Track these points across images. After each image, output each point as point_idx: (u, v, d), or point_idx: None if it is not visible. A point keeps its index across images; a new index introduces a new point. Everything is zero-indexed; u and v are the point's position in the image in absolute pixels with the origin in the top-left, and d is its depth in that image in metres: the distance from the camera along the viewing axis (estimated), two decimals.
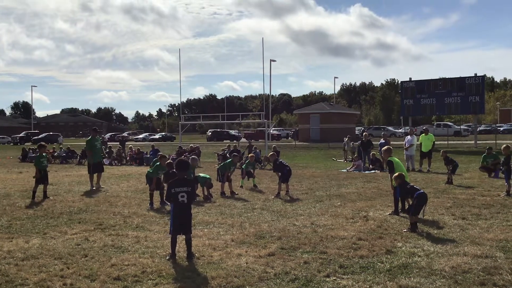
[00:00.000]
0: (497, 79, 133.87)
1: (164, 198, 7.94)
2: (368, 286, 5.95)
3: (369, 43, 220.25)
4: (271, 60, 46.70)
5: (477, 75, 35.47)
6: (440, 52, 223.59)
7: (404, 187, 9.65)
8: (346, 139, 28.12)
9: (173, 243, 7.35)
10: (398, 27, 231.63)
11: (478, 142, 36.45)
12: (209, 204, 12.41)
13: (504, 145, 13.51)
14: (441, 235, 8.53)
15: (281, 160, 14.82)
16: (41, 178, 13.72)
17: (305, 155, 33.35)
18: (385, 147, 11.70)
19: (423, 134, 21.37)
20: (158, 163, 12.79)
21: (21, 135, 74.05)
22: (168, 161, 13.25)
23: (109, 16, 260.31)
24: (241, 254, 7.44)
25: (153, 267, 6.79)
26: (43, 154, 14.12)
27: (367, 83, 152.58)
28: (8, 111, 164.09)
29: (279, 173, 13.76)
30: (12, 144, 66.73)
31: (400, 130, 63.25)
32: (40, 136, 73.53)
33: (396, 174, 9.93)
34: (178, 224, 7.32)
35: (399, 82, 48.41)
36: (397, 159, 10.95)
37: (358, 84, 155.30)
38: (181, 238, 8.45)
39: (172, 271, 6.62)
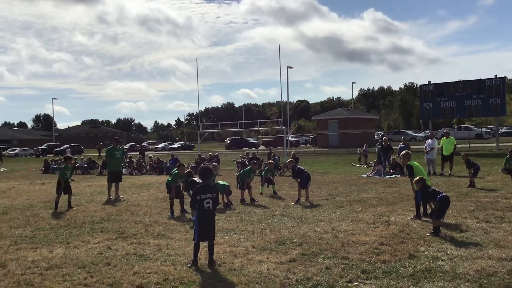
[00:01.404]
0: None
1: (189, 205, 7.97)
2: None
3: (385, 47, 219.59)
4: (288, 67, 46.75)
5: (498, 76, 35.03)
6: (458, 54, 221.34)
7: (426, 191, 9.54)
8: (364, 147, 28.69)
9: (196, 250, 7.38)
10: (415, 31, 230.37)
11: (500, 144, 35.91)
12: (229, 211, 12.43)
13: None
14: (464, 239, 8.42)
15: (299, 166, 14.80)
16: (65, 188, 13.98)
17: (324, 161, 33.22)
18: (404, 151, 11.53)
19: (444, 138, 21.14)
20: (176, 172, 12.85)
21: (43, 147, 75.18)
22: (187, 170, 13.33)
23: (125, 28, 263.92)
24: (262, 260, 7.43)
25: (175, 274, 6.82)
26: (69, 166, 14.49)
27: (385, 87, 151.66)
28: (30, 124, 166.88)
29: (298, 179, 13.76)
30: (34, 156, 67.74)
31: (420, 134, 62.62)
32: (61, 148, 74.75)
33: (417, 178, 9.82)
34: (203, 231, 7.38)
35: (418, 85, 48.01)
36: (416, 163, 10.85)
37: (376, 88, 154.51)
38: (202, 246, 8.49)
39: (194, 278, 6.64)
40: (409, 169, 10.73)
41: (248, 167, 15.27)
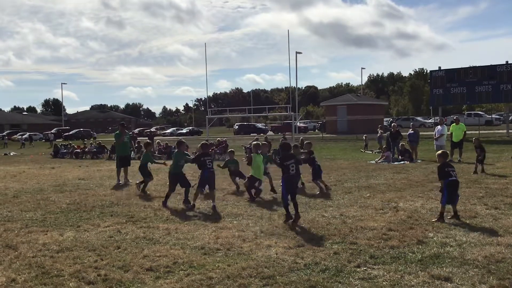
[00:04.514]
0: None
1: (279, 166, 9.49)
2: (399, 276, 5.91)
3: (390, 33, 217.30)
4: (296, 52, 46.59)
5: (509, 62, 34.64)
6: (468, 40, 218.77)
7: (443, 168, 9.23)
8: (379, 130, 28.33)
9: (286, 207, 9.18)
10: (425, 16, 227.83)
11: (510, 131, 35.66)
12: (238, 196, 12.47)
13: None
14: (473, 225, 8.41)
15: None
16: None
17: (333, 147, 33.18)
18: (440, 151, 9.97)
19: (454, 124, 21.00)
20: (177, 153, 12.10)
21: (52, 131, 75.61)
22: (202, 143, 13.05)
23: (130, 13, 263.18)
24: (270, 245, 7.47)
25: (184, 258, 6.88)
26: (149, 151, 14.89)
27: (394, 73, 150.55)
28: (39, 109, 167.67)
29: (311, 167, 13.48)
30: (44, 140, 68.12)
31: (429, 121, 62.29)
32: (71, 132, 75.18)
33: (440, 151, 9.68)
34: (287, 192, 9.10)
35: (428, 71, 47.62)
36: None
37: (385, 74, 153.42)
38: (210, 230, 8.55)
39: (203, 262, 6.69)
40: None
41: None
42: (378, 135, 28.81)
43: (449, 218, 8.90)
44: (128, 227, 9.12)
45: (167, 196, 11.54)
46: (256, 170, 12.28)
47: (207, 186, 11.34)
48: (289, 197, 9.16)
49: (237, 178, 13.76)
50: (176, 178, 11.75)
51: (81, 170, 21.86)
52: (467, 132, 21.78)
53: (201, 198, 11.56)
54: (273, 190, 12.61)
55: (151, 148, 14.17)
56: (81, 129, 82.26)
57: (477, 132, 35.28)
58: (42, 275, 6.33)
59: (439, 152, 9.71)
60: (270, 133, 62.09)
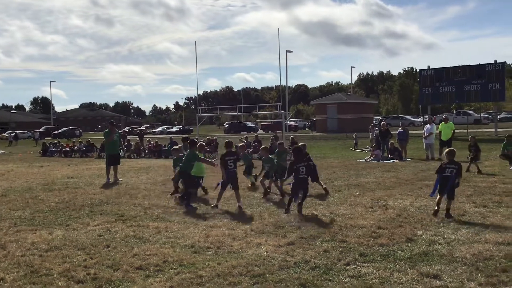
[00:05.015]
0: None
1: (286, 173, 10.27)
2: (388, 273, 5.95)
3: (379, 32, 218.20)
4: (287, 51, 46.57)
5: (497, 62, 34.92)
6: (456, 40, 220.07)
7: (442, 164, 9.50)
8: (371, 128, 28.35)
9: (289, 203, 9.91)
10: (414, 15, 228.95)
11: (498, 130, 35.96)
12: (228, 195, 12.43)
13: None
14: (462, 223, 8.47)
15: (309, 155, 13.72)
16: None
17: (323, 146, 33.26)
18: (448, 149, 9.93)
19: (443, 123, 21.13)
20: (190, 152, 11.63)
21: (41, 130, 74.99)
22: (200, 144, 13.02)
23: (119, 10, 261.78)
24: (260, 243, 7.48)
25: (174, 256, 6.86)
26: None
27: (384, 72, 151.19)
28: (27, 107, 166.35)
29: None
30: (32, 139, 67.57)
31: (418, 119, 62.63)
32: (60, 131, 74.63)
33: (448, 149, 9.78)
34: (295, 192, 9.92)
35: (417, 70, 47.87)
36: None
37: (375, 73, 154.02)
38: (200, 228, 8.55)
39: (193, 260, 6.68)
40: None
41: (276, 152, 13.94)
42: (374, 134, 28.94)
43: (443, 216, 8.97)
44: (118, 225, 9.08)
45: (189, 196, 11.13)
46: (197, 169, 12.13)
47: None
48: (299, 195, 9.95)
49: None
50: (186, 176, 11.45)
51: (70, 168, 21.73)
52: (456, 130, 21.95)
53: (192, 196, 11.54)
54: (266, 193, 12.28)
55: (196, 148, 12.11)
56: (70, 127, 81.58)
57: (466, 131, 35.55)
58: (31, 274, 6.29)
59: (447, 150, 9.77)
60: (260, 131, 62.14)
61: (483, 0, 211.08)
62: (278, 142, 15.61)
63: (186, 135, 13.79)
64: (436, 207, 9.16)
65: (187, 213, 10.09)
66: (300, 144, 14.76)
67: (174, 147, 15.17)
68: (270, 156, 13.19)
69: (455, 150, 9.80)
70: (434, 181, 9.69)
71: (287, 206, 10.00)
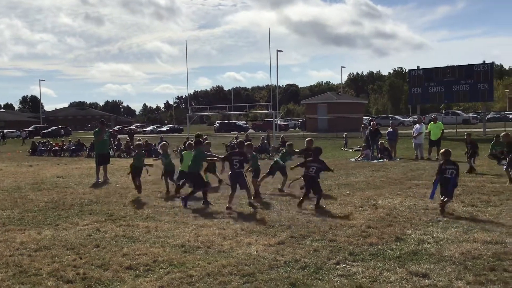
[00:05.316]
0: (506, 66, 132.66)
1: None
2: (378, 272, 5.98)
3: (369, 32, 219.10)
4: (277, 51, 46.62)
5: (486, 62, 35.20)
6: (445, 40, 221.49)
7: (442, 165, 9.67)
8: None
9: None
10: (403, 15, 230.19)
11: (487, 130, 36.24)
12: (219, 194, 12.45)
13: (503, 133, 13.54)
14: (450, 222, 8.54)
15: None
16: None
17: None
18: (444, 150, 10.08)
19: (432, 122, 21.28)
20: (197, 151, 11.46)
21: (30, 129, 74.39)
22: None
23: (108, 9, 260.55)
24: (251, 243, 7.49)
25: (164, 256, 6.85)
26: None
27: (374, 72, 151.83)
28: (16, 106, 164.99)
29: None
30: (21, 138, 67.02)
31: (408, 119, 62.97)
32: (49, 130, 74.04)
33: (443, 150, 9.98)
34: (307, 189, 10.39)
35: (407, 70, 48.10)
36: None
37: (365, 73, 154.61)
38: (190, 228, 8.54)
39: (183, 260, 6.68)
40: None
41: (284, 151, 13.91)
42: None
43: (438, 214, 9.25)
44: (108, 225, 9.05)
45: (191, 196, 11.02)
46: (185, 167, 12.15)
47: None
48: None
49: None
50: (195, 177, 11.30)
51: (59, 168, 21.61)
52: (445, 130, 22.10)
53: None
54: (257, 195, 11.89)
55: (203, 145, 12.20)
56: (59, 127, 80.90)
57: (455, 130, 35.80)
58: (19, 274, 6.25)
59: (442, 150, 9.99)
60: (251, 131, 62.14)
61: (472, 0, 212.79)
62: (288, 143, 15.19)
63: (198, 132, 13.64)
64: (440, 208, 9.37)
65: (177, 213, 10.07)
66: (287, 143, 14.72)
67: (137, 142, 15.22)
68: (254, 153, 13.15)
69: (450, 150, 9.94)
70: (433, 183, 9.79)
71: (300, 202, 10.36)
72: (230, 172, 10.82)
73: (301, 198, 10.50)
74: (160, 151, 14.12)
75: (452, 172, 9.44)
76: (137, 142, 14.60)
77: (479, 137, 32.38)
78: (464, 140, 16.98)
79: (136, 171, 12.90)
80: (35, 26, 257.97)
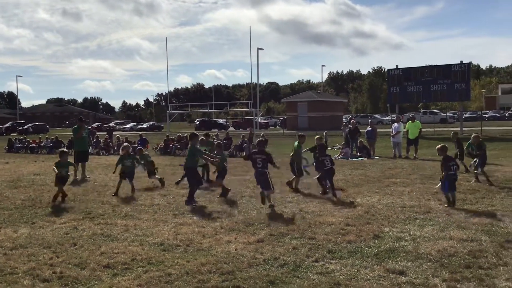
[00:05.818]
0: (483, 66, 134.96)
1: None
2: (356, 270, 6.04)
3: (348, 31, 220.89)
4: (258, 49, 46.65)
5: (463, 62, 35.70)
6: (424, 40, 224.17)
7: (445, 161, 10.09)
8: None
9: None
10: (383, 15, 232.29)
11: (464, 129, 36.71)
12: (198, 191, 12.37)
13: (473, 135, 13.81)
14: (427, 220, 8.66)
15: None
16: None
17: (293, 143, 33.36)
18: (441, 145, 10.45)
19: (410, 121, 21.54)
20: (192, 147, 11.30)
21: (6, 125, 73.08)
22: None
23: (87, 5, 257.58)
24: (230, 241, 7.49)
25: (142, 254, 6.81)
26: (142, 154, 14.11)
27: (354, 71, 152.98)
28: None
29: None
30: None
31: (387, 118, 63.58)
32: (25, 127, 72.73)
33: (439, 145, 10.38)
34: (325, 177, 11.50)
35: (386, 70, 48.55)
36: None
37: (345, 72, 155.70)
38: (169, 226, 8.51)
39: (162, 258, 6.65)
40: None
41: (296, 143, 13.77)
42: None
43: (445, 206, 9.70)
44: (85, 223, 8.95)
45: (193, 193, 10.81)
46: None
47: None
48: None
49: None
50: (191, 172, 11.16)
51: (36, 165, 21.31)
52: (423, 129, 22.38)
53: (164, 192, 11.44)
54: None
55: (197, 140, 11.98)
56: (36, 123, 79.54)
57: (432, 129, 36.24)
58: None
59: (439, 146, 10.40)
60: (231, 128, 62.05)
61: (450, 1, 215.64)
62: (300, 135, 14.67)
63: (206, 132, 13.54)
64: (447, 201, 9.92)
65: (156, 211, 10.01)
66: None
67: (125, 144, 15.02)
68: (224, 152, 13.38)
69: (446, 145, 10.44)
70: (440, 180, 10.17)
71: (332, 190, 11.29)
72: (254, 172, 10.73)
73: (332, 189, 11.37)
74: (121, 153, 13.59)
75: (456, 168, 10.11)
76: (124, 144, 14.36)
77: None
78: (451, 139, 16.79)
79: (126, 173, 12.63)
80: (12, 22, 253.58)
